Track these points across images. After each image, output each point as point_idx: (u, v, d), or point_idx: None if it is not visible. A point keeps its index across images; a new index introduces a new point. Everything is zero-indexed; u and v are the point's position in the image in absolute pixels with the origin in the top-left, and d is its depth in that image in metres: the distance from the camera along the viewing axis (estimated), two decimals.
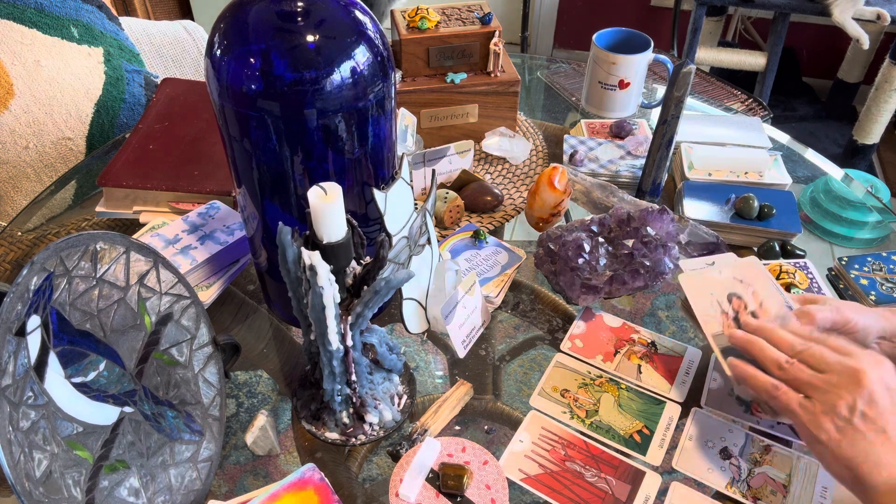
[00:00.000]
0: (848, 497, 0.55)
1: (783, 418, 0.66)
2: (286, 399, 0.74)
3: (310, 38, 0.59)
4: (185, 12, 2.56)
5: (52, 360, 0.54)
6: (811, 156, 1.10)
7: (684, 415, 0.70)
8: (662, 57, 1.11)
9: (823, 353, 0.58)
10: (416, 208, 0.69)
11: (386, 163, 0.70)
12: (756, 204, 0.87)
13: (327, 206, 0.56)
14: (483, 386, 0.75)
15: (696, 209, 0.89)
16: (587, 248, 0.77)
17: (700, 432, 0.68)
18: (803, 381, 0.57)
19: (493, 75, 1.01)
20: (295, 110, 0.59)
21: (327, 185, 0.56)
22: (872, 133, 2.20)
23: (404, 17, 1.01)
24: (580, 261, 0.77)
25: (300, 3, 0.59)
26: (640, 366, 0.75)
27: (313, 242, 0.58)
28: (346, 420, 0.68)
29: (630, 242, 0.77)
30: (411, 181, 0.67)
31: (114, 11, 1.30)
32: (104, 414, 0.57)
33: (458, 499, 0.62)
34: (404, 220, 0.66)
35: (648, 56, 1.09)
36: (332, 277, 0.57)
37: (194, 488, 0.62)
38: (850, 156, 2.30)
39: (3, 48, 1.11)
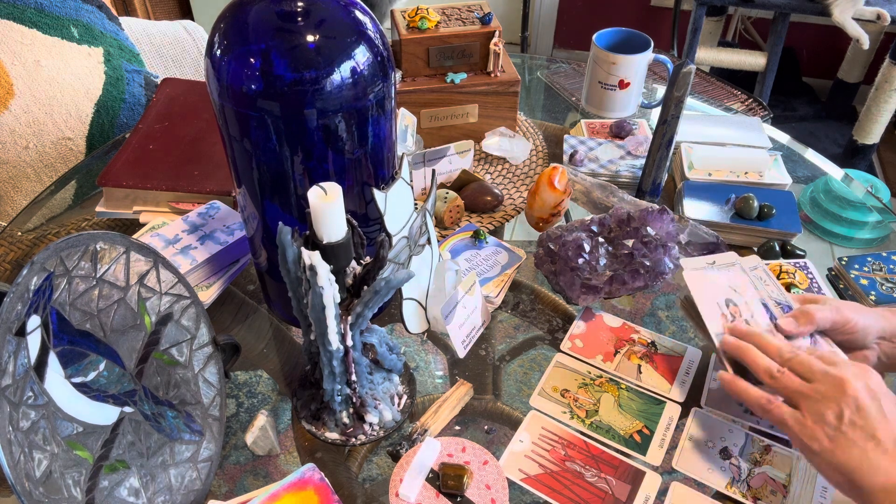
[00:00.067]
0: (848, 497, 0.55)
1: None
2: (286, 399, 0.74)
3: (310, 38, 0.59)
4: (185, 12, 2.56)
5: (52, 360, 0.54)
6: (811, 156, 1.10)
7: (684, 415, 0.70)
8: (662, 57, 1.11)
9: (811, 361, 0.59)
10: (416, 208, 0.69)
11: (386, 163, 0.70)
12: (756, 204, 0.87)
13: (327, 206, 0.56)
14: (483, 386, 0.75)
15: (696, 209, 0.89)
16: (587, 248, 0.77)
17: (700, 432, 0.68)
18: (793, 389, 0.58)
19: (493, 75, 1.01)
20: (295, 110, 0.59)
21: (327, 185, 0.56)
22: (872, 133, 2.20)
23: (404, 17, 1.01)
24: (580, 261, 0.77)
25: (300, 3, 0.59)
26: (640, 366, 0.75)
27: (313, 242, 0.58)
28: (346, 420, 0.68)
29: (630, 242, 0.77)
30: (411, 181, 0.67)
31: (114, 11, 1.30)
32: (104, 414, 0.57)
33: (458, 499, 0.62)
34: (404, 220, 0.66)
35: (648, 56, 1.09)
36: (332, 277, 0.57)
37: (194, 488, 0.62)
38: (850, 156, 2.30)
39: (3, 48, 1.11)
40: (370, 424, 0.68)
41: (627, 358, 0.76)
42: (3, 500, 0.64)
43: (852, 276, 0.83)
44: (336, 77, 0.59)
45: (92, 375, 0.57)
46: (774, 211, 0.87)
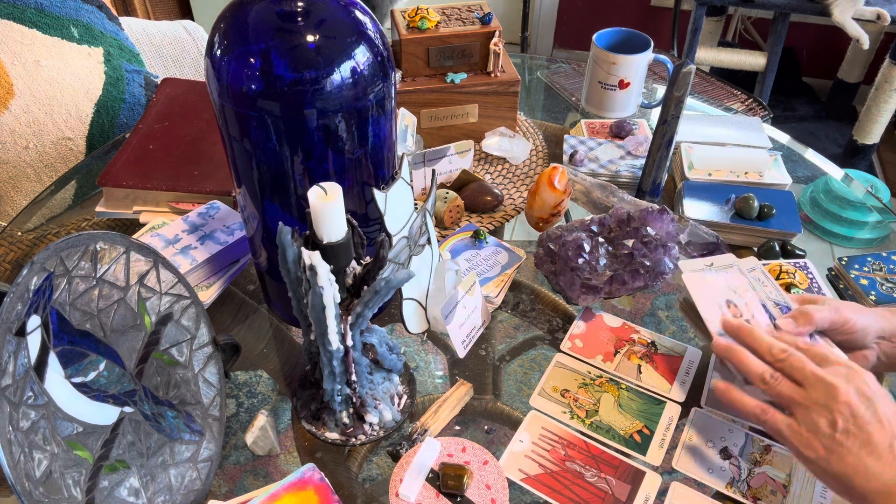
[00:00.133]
0: None
1: None
2: (286, 399, 0.74)
3: (310, 38, 0.59)
4: (185, 12, 2.56)
5: (52, 360, 0.54)
6: (811, 156, 1.10)
7: (684, 415, 0.70)
8: (662, 57, 1.11)
9: (803, 363, 0.58)
10: (416, 208, 0.69)
11: (386, 163, 0.70)
12: (756, 204, 0.87)
13: (327, 206, 0.56)
14: (483, 386, 0.75)
15: (696, 209, 0.89)
16: (587, 248, 0.77)
17: (700, 432, 0.68)
18: (786, 396, 0.58)
19: (493, 75, 1.01)
20: (295, 110, 0.59)
21: (327, 185, 0.56)
22: (872, 133, 2.20)
23: (404, 17, 1.01)
24: (580, 261, 0.77)
25: (300, 3, 0.59)
26: (640, 366, 0.75)
27: (313, 242, 0.58)
28: (346, 420, 0.68)
29: (630, 242, 0.77)
30: (411, 181, 0.67)
31: (114, 11, 1.30)
32: (104, 414, 0.57)
33: (458, 499, 0.62)
34: (404, 220, 0.66)
35: (648, 56, 1.09)
36: (332, 277, 0.57)
37: (194, 488, 0.62)
38: (850, 156, 2.30)
39: (3, 48, 1.11)
40: (370, 424, 0.68)
41: (627, 358, 0.76)
42: (3, 500, 0.64)
43: (852, 276, 0.83)
44: (336, 77, 0.59)
45: (92, 375, 0.57)
46: (774, 211, 0.87)
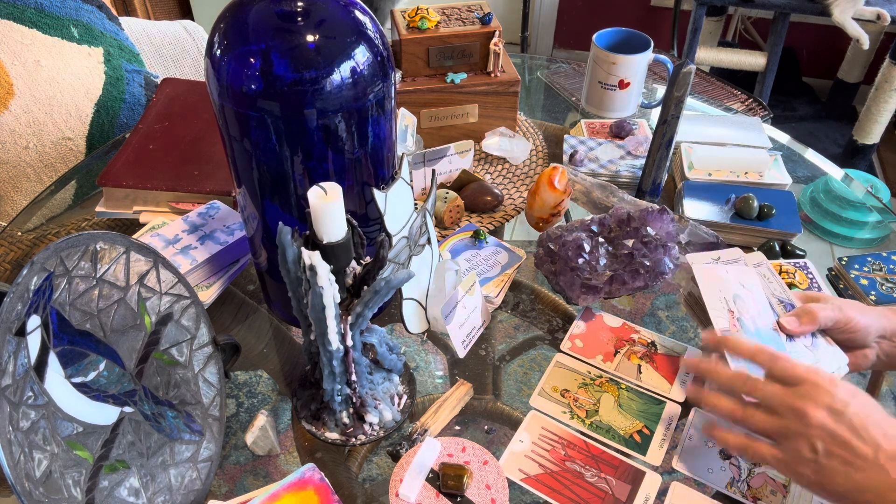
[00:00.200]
0: None
1: None
2: (286, 399, 0.74)
3: (310, 38, 0.59)
4: (185, 12, 2.56)
5: (52, 360, 0.54)
6: (811, 156, 1.10)
7: (684, 415, 0.70)
8: (662, 57, 1.11)
9: (771, 393, 0.57)
10: (416, 208, 0.69)
11: (386, 163, 0.70)
12: (756, 204, 0.87)
13: (327, 206, 0.56)
14: (483, 386, 0.75)
15: (696, 209, 0.89)
16: (587, 248, 0.77)
17: (700, 432, 0.68)
18: (762, 429, 0.57)
19: (493, 75, 1.01)
20: (295, 110, 0.59)
21: (327, 185, 0.56)
22: (872, 133, 2.20)
23: (404, 17, 1.01)
24: (580, 261, 0.77)
25: (300, 3, 0.59)
26: (640, 366, 0.75)
27: (313, 242, 0.58)
28: (346, 420, 0.68)
29: (630, 242, 0.77)
30: (411, 181, 0.67)
31: (114, 11, 1.30)
32: (104, 414, 0.57)
33: (458, 499, 0.62)
34: (404, 220, 0.66)
35: (648, 56, 1.09)
36: (332, 277, 0.57)
37: (194, 488, 0.62)
38: (850, 156, 2.30)
39: (3, 48, 1.11)
40: (370, 424, 0.68)
41: (627, 358, 0.76)
42: (3, 500, 0.64)
43: (852, 276, 0.83)
44: (336, 77, 0.59)
45: (92, 375, 0.57)
46: (774, 211, 0.87)
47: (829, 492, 0.54)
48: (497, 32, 0.99)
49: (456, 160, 0.97)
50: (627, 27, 1.16)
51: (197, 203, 0.88)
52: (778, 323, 0.67)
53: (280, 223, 0.57)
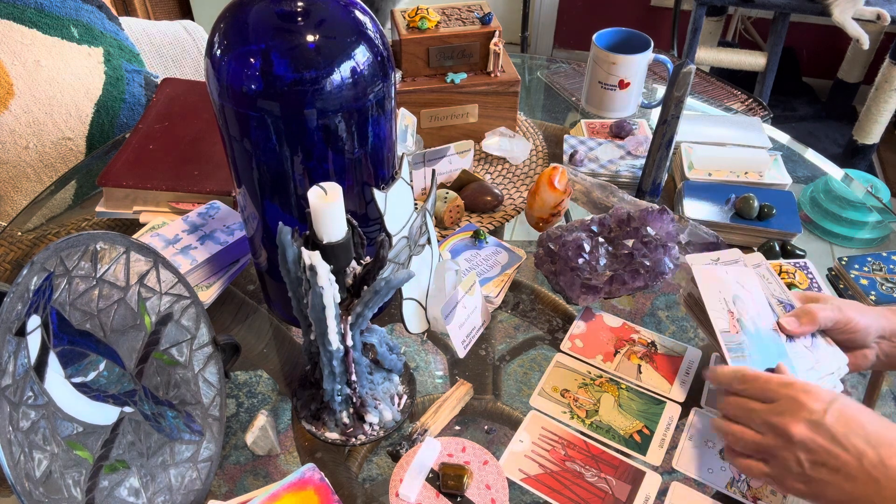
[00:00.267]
0: None
1: None
2: (286, 399, 0.74)
3: (310, 38, 0.59)
4: (185, 12, 2.56)
5: (52, 360, 0.54)
6: (811, 156, 1.10)
7: (684, 415, 0.70)
8: (662, 57, 1.11)
9: (751, 412, 0.58)
10: (416, 208, 0.69)
11: (386, 163, 0.70)
12: (756, 204, 0.87)
13: (327, 206, 0.56)
14: (483, 386, 0.75)
15: (696, 209, 0.89)
16: (587, 248, 0.77)
17: (700, 432, 0.68)
18: (752, 448, 0.58)
19: (493, 75, 1.01)
20: (295, 110, 0.59)
21: (327, 185, 0.56)
22: (872, 133, 2.20)
23: (404, 17, 1.01)
24: (580, 261, 0.77)
25: (300, 3, 0.59)
26: (640, 366, 0.75)
27: (313, 242, 0.58)
28: (346, 420, 0.68)
29: (630, 242, 0.77)
30: (411, 181, 0.67)
31: (114, 11, 1.30)
32: (104, 414, 0.57)
33: (458, 499, 0.62)
34: (404, 220, 0.66)
35: (648, 56, 1.09)
36: (332, 277, 0.57)
37: (194, 488, 0.62)
38: (850, 156, 2.30)
39: (3, 48, 1.11)
40: (370, 424, 0.68)
41: (627, 358, 0.76)
42: (3, 500, 0.64)
43: (852, 276, 0.83)
44: (336, 77, 0.59)
45: (92, 375, 0.57)
46: (774, 211, 0.87)
47: (824, 501, 0.54)
48: (497, 32, 0.99)
49: (456, 160, 0.97)
50: (627, 27, 1.16)
51: (197, 203, 0.88)
52: (778, 324, 0.67)
53: (280, 223, 0.57)
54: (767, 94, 2.30)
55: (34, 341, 0.52)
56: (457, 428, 0.70)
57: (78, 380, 0.56)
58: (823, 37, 2.61)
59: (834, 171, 1.05)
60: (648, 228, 0.77)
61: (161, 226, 0.86)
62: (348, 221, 0.59)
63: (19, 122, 1.11)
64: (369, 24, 0.62)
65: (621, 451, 0.67)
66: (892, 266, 0.83)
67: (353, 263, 0.62)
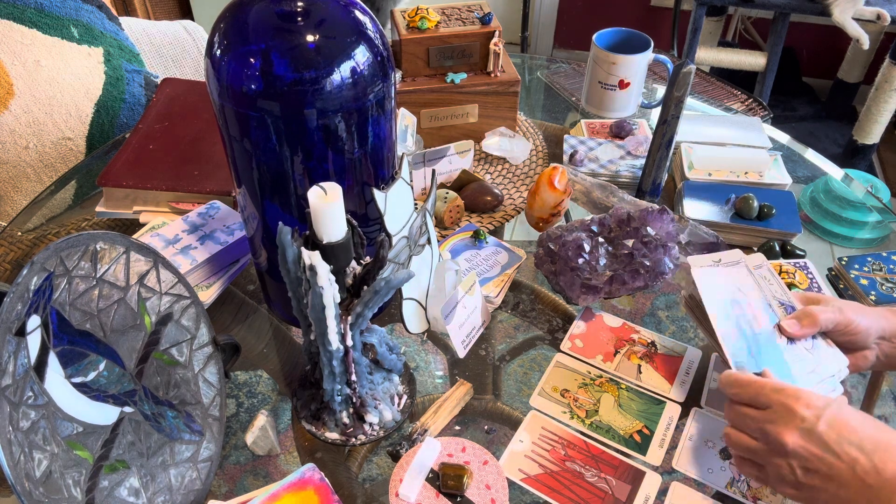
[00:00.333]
0: None
1: None
2: (286, 399, 0.74)
3: (310, 38, 0.59)
4: (185, 12, 2.56)
5: (52, 360, 0.54)
6: (811, 156, 1.10)
7: (684, 415, 0.70)
8: (662, 57, 1.11)
9: (745, 418, 0.58)
10: (416, 208, 0.69)
11: (386, 163, 0.70)
12: (756, 204, 0.87)
13: (327, 206, 0.56)
14: (483, 386, 0.75)
15: (696, 209, 0.89)
16: (587, 248, 0.77)
17: (700, 432, 0.68)
18: (749, 454, 0.58)
19: (493, 75, 1.01)
20: (295, 110, 0.59)
21: (327, 185, 0.56)
22: (872, 133, 2.20)
23: (404, 17, 1.01)
24: (580, 261, 0.77)
25: (300, 3, 0.59)
26: (640, 366, 0.75)
27: (313, 242, 0.58)
28: (346, 420, 0.68)
29: (630, 242, 0.77)
30: (411, 181, 0.67)
31: (114, 11, 1.30)
32: (104, 414, 0.57)
33: (458, 499, 0.62)
34: (404, 220, 0.66)
35: (648, 56, 1.09)
36: (332, 277, 0.57)
37: (194, 488, 0.62)
38: (850, 156, 2.30)
39: (3, 48, 1.11)
40: (370, 424, 0.68)
41: (627, 358, 0.76)
42: (3, 500, 0.64)
43: (852, 276, 0.83)
44: (336, 77, 0.59)
45: (92, 375, 0.57)
46: (774, 211, 0.87)
47: None
48: (497, 32, 0.99)
49: (456, 160, 0.97)
50: (627, 27, 1.16)
51: (197, 203, 0.88)
52: (778, 326, 0.67)
53: (280, 223, 0.57)
54: (767, 94, 2.30)
55: (34, 341, 0.52)
56: (457, 428, 0.70)
57: (78, 380, 0.56)
58: (823, 37, 2.61)
59: (834, 171, 1.05)
60: (648, 228, 0.77)
61: (161, 226, 0.86)
62: (348, 221, 0.59)
63: (19, 122, 1.11)
64: (369, 24, 0.62)
65: (621, 451, 0.67)
66: (892, 266, 0.83)
67: (353, 263, 0.62)
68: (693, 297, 0.72)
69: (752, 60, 2.24)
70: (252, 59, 0.58)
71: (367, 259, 0.64)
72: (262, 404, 0.74)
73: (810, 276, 0.81)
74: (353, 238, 0.60)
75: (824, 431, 0.53)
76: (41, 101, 1.13)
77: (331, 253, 0.57)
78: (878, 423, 0.54)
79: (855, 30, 1.97)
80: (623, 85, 1.10)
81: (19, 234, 0.94)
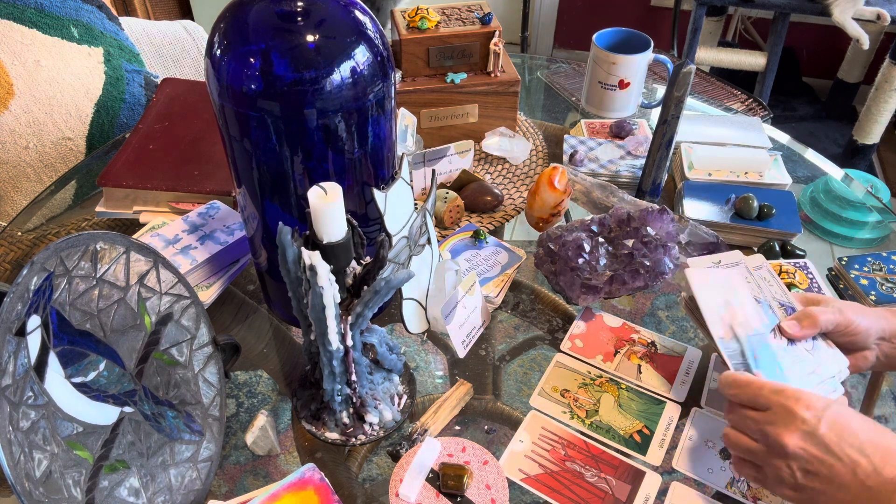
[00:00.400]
0: None
1: None
2: (286, 399, 0.74)
3: (310, 38, 0.59)
4: (185, 12, 2.56)
5: (52, 360, 0.54)
6: (811, 156, 1.10)
7: (684, 415, 0.70)
8: (662, 57, 1.11)
9: (745, 420, 0.58)
10: (416, 208, 0.69)
11: (386, 163, 0.70)
12: (756, 204, 0.87)
13: (327, 206, 0.56)
14: (483, 386, 0.75)
15: (696, 209, 0.89)
16: (587, 248, 0.77)
17: (700, 432, 0.68)
18: (748, 454, 0.58)
19: (493, 75, 1.01)
20: (295, 110, 0.59)
21: (327, 185, 0.56)
22: (872, 133, 2.20)
23: (404, 17, 1.01)
24: (580, 261, 0.77)
25: (300, 3, 0.59)
26: (640, 366, 0.75)
27: (313, 242, 0.58)
28: (346, 420, 0.68)
29: (630, 242, 0.77)
30: (411, 181, 0.67)
31: (114, 11, 1.30)
32: (104, 414, 0.57)
33: (458, 499, 0.62)
34: (404, 220, 0.66)
35: (648, 56, 1.09)
36: (332, 277, 0.57)
37: (194, 488, 0.62)
38: (850, 156, 2.30)
39: (3, 48, 1.11)
40: (370, 424, 0.68)
41: (627, 358, 0.76)
42: (3, 500, 0.64)
43: (852, 276, 0.83)
44: (336, 77, 0.59)
45: (92, 375, 0.57)
46: (774, 211, 0.87)
47: None
48: (497, 32, 0.99)
49: (456, 160, 0.97)
50: (627, 27, 1.16)
51: (197, 203, 0.88)
52: (779, 327, 0.67)
53: (280, 223, 0.57)
54: (767, 94, 2.30)
55: (34, 341, 0.52)
56: (457, 428, 0.70)
57: (78, 380, 0.56)
58: (823, 37, 2.61)
59: (834, 171, 1.05)
60: (648, 228, 0.77)
61: (161, 226, 0.86)
62: (348, 221, 0.59)
63: (19, 122, 1.11)
64: (369, 24, 0.62)
65: (621, 451, 0.67)
66: (892, 266, 0.83)
67: (353, 263, 0.62)
68: (693, 299, 0.72)
69: (752, 60, 2.24)
70: (252, 59, 0.58)
71: (367, 259, 0.64)
72: (262, 404, 0.74)
73: (810, 276, 0.81)
74: (353, 238, 0.60)
75: (825, 433, 0.53)
76: (41, 101, 1.13)
77: (331, 253, 0.57)
78: (878, 426, 0.54)
79: (855, 30, 1.97)
80: (623, 85, 1.10)
81: (19, 234, 0.94)
